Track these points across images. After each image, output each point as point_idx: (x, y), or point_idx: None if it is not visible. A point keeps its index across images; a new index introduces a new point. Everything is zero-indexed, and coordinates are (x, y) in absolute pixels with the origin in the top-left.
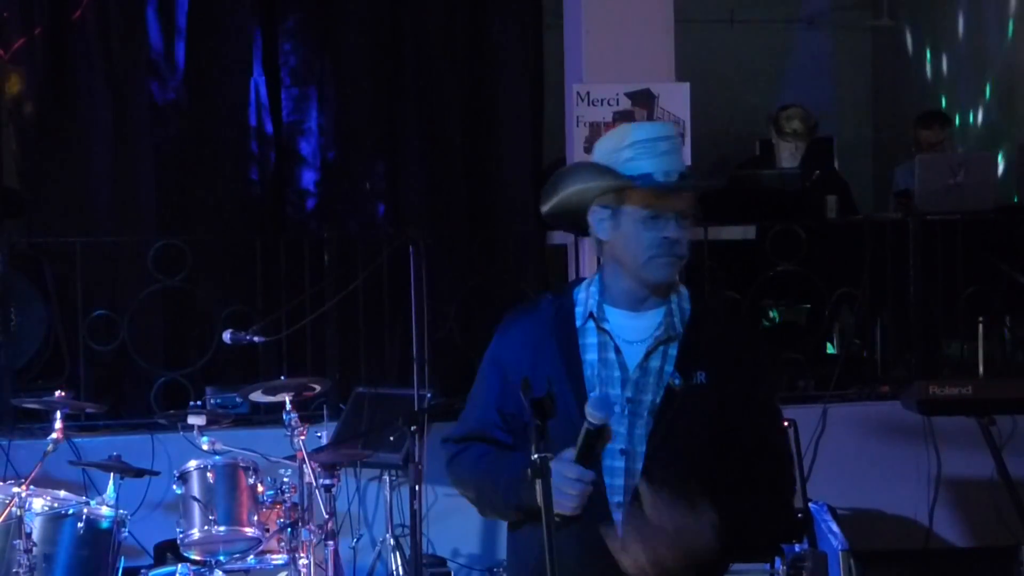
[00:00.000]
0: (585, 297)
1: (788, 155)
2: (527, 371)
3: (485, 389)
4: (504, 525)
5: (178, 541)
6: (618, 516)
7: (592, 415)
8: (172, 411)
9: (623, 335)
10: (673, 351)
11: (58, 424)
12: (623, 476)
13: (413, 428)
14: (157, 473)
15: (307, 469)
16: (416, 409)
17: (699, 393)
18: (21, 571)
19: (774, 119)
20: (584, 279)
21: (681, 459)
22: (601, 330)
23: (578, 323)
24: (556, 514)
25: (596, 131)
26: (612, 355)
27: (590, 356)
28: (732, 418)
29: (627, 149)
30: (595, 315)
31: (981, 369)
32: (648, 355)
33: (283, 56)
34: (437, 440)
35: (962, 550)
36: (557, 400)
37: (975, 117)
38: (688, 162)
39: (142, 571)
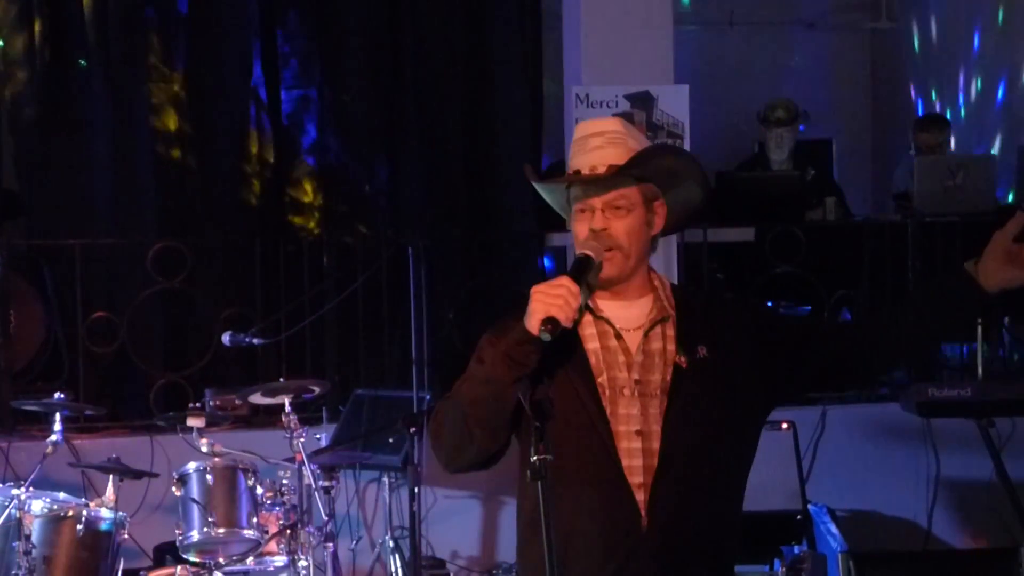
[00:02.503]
0: None
1: (774, 145)
2: None
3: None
4: (504, 527)
5: (177, 543)
6: (640, 496)
7: (582, 251)
8: (171, 413)
9: (619, 324)
10: (671, 331)
11: (57, 426)
12: (641, 457)
13: (412, 430)
14: (156, 475)
15: (306, 471)
16: (415, 411)
17: (705, 366)
18: (21, 573)
19: (760, 114)
20: None
21: (698, 434)
22: (598, 319)
23: None
24: (547, 322)
25: None
26: (613, 341)
27: (592, 344)
28: (779, 357)
29: (571, 148)
30: (590, 306)
31: (980, 371)
32: (648, 337)
33: (283, 58)
34: None
35: (961, 552)
36: (566, 391)
37: (974, 119)
38: (637, 143)
39: (141, 573)
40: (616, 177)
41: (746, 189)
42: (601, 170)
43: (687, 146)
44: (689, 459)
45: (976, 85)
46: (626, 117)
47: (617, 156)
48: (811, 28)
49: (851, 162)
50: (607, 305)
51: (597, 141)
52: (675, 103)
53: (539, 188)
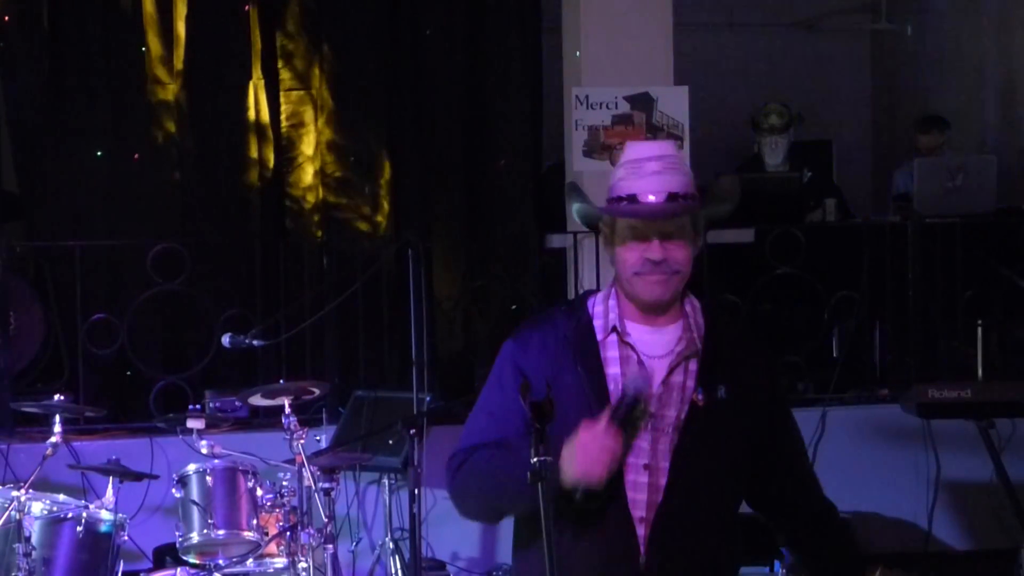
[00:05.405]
0: (604, 310)
1: (769, 151)
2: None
3: (508, 397)
4: (504, 529)
5: (177, 545)
6: (641, 531)
7: (628, 386)
8: (171, 414)
9: (644, 349)
10: (693, 366)
11: (57, 428)
12: (646, 491)
13: (412, 431)
14: (156, 477)
15: (306, 472)
16: (415, 412)
17: (721, 408)
18: (21, 574)
19: (753, 119)
20: (594, 292)
21: (704, 474)
22: (624, 343)
23: (599, 336)
24: (583, 488)
25: (595, 134)
26: (636, 369)
27: (612, 370)
28: (764, 437)
29: (621, 168)
30: (618, 328)
31: (980, 372)
32: (671, 370)
33: (283, 58)
34: (436, 443)
35: (961, 553)
36: (582, 413)
37: (974, 120)
38: (687, 167)
39: (141, 574)
40: (680, 210)
41: (745, 190)
42: (659, 196)
43: (686, 147)
44: (693, 498)
45: (976, 86)
46: (625, 119)
47: (674, 183)
48: (811, 29)
49: (851, 163)
50: (635, 329)
51: (654, 166)
52: (675, 104)
53: (576, 205)
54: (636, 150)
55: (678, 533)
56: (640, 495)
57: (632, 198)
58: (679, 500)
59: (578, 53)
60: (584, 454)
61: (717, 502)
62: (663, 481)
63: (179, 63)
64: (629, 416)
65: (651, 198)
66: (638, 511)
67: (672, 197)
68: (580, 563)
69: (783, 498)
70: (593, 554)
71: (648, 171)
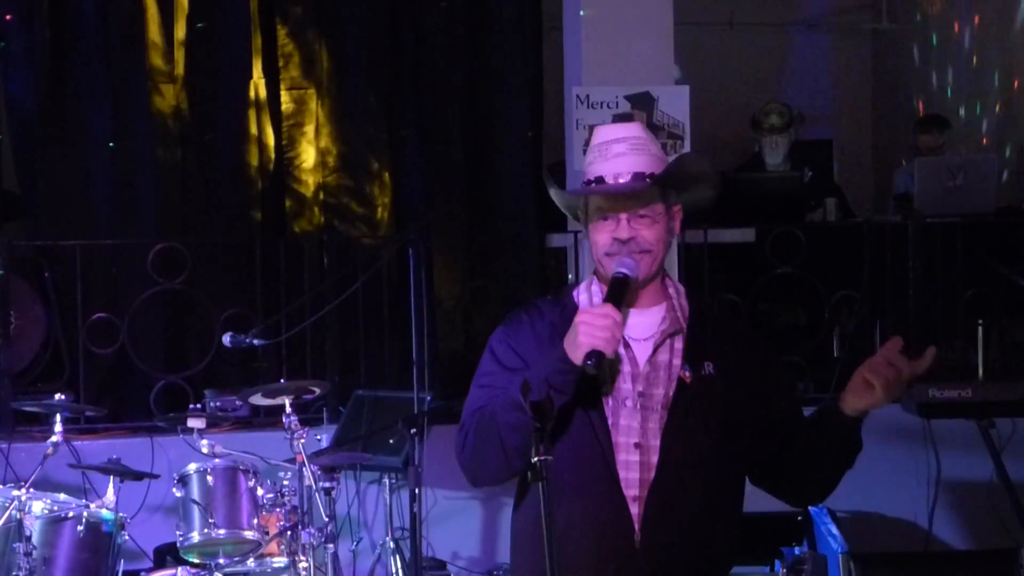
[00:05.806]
0: (588, 298)
1: (769, 151)
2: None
3: (504, 372)
4: (504, 528)
5: (178, 544)
6: (635, 510)
7: (617, 268)
8: (172, 414)
9: (629, 332)
10: (679, 345)
11: (58, 427)
12: (638, 470)
13: (413, 431)
14: (157, 476)
15: (307, 472)
16: (416, 412)
17: (708, 384)
18: (21, 574)
19: (754, 118)
20: (577, 283)
21: (695, 451)
22: None
23: None
24: (592, 355)
25: None
26: (621, 350)
27: None
28: (760, 407)
29: (590, 153)
30: None
31: (980, 372)
32: (656, 350)
33: (283, 57)
34: (437, 443)
35: (961, 553)
36: (571, 397)
37: (975, 120)
38: (656, 148)
39: (142, 574)
40: (644, 187)
41: (746, 190)
42: (625, 178)
43: (687, 147)
44: (686, 475)
45: (976, 86)
46: (626, 118)
47: (641, 163)
48: (812, 29)
49: (852, 163)
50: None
51: (620, 147)
52: (675, 104)
53: (551, 190)
54: (603, 133)
55: (672, 511)
56: (632, 474)
57: (599, 180)
58: (671, 478)
59: (582, 13)
60: (586, 325)
61: (710, 479)
62: (654, 459)
63: (179, 62)
64: (621, 295)
65: (619, 179)
66: (631, 490)
67: (638, 177)
68: (575, 544)
69: (784, 456)
70: (588, 535)
71: (614, 153)
